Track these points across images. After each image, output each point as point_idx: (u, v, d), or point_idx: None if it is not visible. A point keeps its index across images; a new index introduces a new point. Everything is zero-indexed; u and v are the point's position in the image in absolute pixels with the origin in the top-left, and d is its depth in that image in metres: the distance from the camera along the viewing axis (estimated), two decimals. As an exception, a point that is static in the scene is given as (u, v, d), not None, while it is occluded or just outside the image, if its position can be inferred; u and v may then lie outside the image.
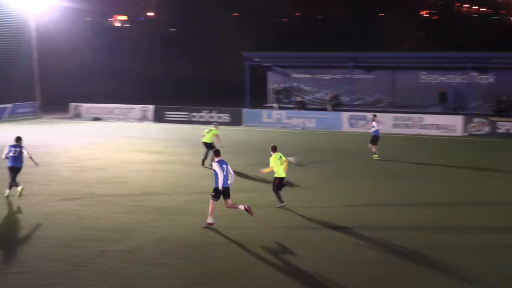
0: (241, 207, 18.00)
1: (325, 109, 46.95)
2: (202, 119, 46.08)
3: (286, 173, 20.70)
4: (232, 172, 18.22)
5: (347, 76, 47.38)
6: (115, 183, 24.56)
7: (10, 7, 50.64)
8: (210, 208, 18.04)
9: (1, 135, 39.15)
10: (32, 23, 51.05)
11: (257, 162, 26.75)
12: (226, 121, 45.41)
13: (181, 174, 26.53)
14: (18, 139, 22.25)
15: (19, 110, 50.48)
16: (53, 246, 16.24)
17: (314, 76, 50.07)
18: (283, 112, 45.84)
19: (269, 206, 20.49)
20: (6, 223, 18.72)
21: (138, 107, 48.77)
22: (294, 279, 14.26)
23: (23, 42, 51.31)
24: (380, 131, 31.33)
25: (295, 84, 50.50)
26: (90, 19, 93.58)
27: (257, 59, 51.25)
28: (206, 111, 46.66)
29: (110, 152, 31.89)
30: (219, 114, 46.06)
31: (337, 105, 47.60)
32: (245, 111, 45.99)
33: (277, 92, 50.07)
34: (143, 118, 47.95)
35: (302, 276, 14.42)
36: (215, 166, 17.88)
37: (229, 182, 17.94)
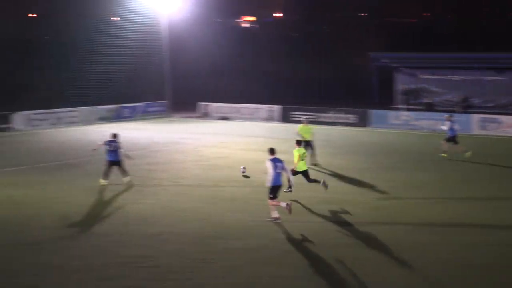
0: (283, 204, 18.37)
1: (454, 111, 45.89)
2: (328, 120, 46.07)
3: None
4: (288, 170, 18.60)
5: (478, 77, 46.07)
6: (241, 182, 24.98)
7: (144, 8, 52.56)
8: (272, 205, 18.45)
9: (134, 132, 40.73)
10: (164, 23, 52.68)
11: (387, 163, 26.49)
12: (353, 122, 45.23)
13: (306, 174, 26.58)
14: (115, 135, 24.10)
15: (151, 109, 52.31)
16: (181, 242, 16.73)
17: (443, 77, 49.02)
18: (411, 113, 45.12)
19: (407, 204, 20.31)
20: (139, 218, 19.45)
21: (264, 107, 49.39)
22: None
23: (156, 42, 53.10)
24: (456, 132, 31.05)
25: (423, 85, 49.61)
26: (219, 20, 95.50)
27: (384, 60, 50.71)
28: (332, 112, 46.62)
29: (237, 151, 32.49)
30: (346, 115, 45.91)
31: (467, 107, 46.38)
32: (373, 112, 45.60)
33: (406, 93, 49.35)
34: (269, 118, 48.51)
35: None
36: (268, 164, 18.18)
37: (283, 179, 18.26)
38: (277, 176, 18.31)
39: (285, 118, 47.62)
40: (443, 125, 31.69)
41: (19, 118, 44.26)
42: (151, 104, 52.59)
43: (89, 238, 17.10)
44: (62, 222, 18.68)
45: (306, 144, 28.07)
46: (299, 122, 46.22)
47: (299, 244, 16.74)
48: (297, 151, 21.45)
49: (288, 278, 14.18)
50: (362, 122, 45.03)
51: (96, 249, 16.06)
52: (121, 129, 42.58)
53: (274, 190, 18.42)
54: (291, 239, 17.09)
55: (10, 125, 43.44)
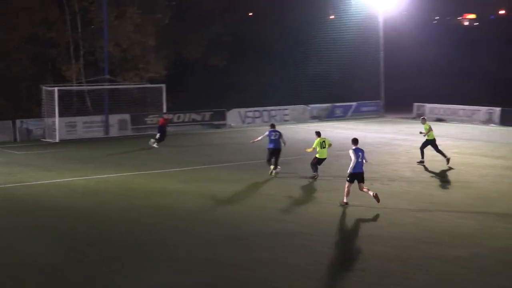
0: (371, 193, 20.13)
1: None
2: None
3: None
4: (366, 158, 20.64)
5: None
6: (455, 187, 23.99)
7: (360, 6, 52.33)
8: (345, 189, 20.23)
9: (345, 132, 40.64)
10: (381, 21, 52.08)
11: None
12: None
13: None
14: (273, 125, 26.69)
15: (363, 109, 51.95)
16: (389, 245, 16.25)
17: None
18: None
19: None
20: (348, 218, 19.26)
21: (483, 109, 47.20)
22: None
23: (371, 41, 52.68)
24: None
25: None
26: (437, 17, 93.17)
27: None
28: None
29: (452, 155, 31.28)
30: None
31: None
32: None
33: None
34: (488, 121, 46.28)
35: None
36: (351, 152, 20.33)
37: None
38: (358, 164, 20.23)
39: (506, 120, 45.11)
40: None
41: (233, 115, 45.86)
42: (364, 103, 52.22)
43: (296, 237, 17.11)
44: (274, 218, 18.92)
45: (431, 144, 28.74)
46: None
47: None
48: (317, 141, 24.95)
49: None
50: None
51: (301, 248, 16.02)
52: (333, 128, 42.79)
53: (356, 177, 20.17)
54: (508, 250, 16.00)
55: (225, 122, 45.16)
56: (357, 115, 51.01)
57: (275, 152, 25.77)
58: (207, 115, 45.09)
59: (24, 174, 26.84)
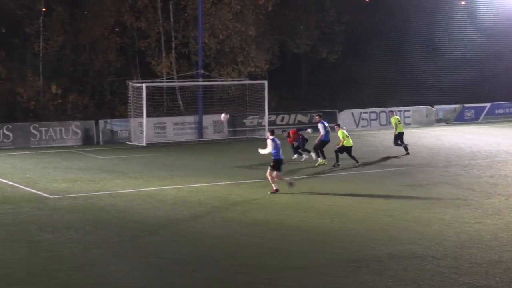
0: (286, 178, 24.94)
1: None
2: None
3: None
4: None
5: None
6: None
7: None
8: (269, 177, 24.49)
9: (477, 138, 39.63)
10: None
11: None
12: None
13: None
14: (319, 116, 32.40)
15: (498, 111, 50.64)
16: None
17: None
18: None
19: None
20: (476, 240, 18.65)
21: None
22: None
23: (509, 31, 51.34)
24: None
25: None
26: None
27: None
28: None
29: None
30: None
31: None
32: None
33: None
34: None
35: None
36: (269, 142, 24.49)
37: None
38: (278, 151, 24.38)
39: None
40: None
41: (345, 116, 45.55)
42: (500, 105, 50.84)
43: (419, 260, 16.66)
44: (387, 237, 18.52)
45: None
46: None
47: None
48: (340, 133, 30.45)
49: None
50: None
51: (428, 273, 15.58)
52: (462, 133, 41.78)
53: (277, 164, 24.40)
54: None
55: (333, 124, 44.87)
56: (491, 118, 49.74)
57: (326, 144, 31.33)
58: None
59: (108, 182, 27.34)
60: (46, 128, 39.42)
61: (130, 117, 40.65)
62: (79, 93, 46.65)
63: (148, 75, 46.75)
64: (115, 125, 40.82)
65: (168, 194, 24.91)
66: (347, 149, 30.47)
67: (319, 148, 31.26)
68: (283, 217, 21.15)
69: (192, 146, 38.80)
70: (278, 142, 24.73)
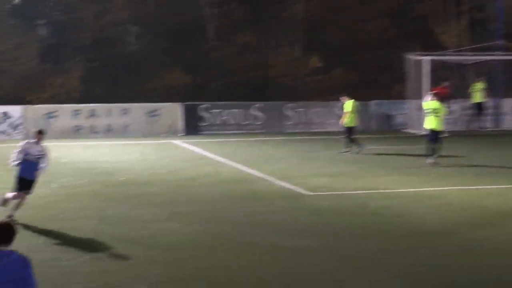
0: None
1: None
2: None
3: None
4: None
5: None
6: None
7: None
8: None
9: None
10: None
11: None
12: None
13: None
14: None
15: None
16: None
17: None
18: None
19: None
20: None
21: None
22: None
23: None
24: None
25: None
26: None
27: None
28: None
29: None
30: None
31: None
32: None
33: None
34: None
35: None
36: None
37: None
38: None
39: None
40: None
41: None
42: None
43: None
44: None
45: None
46: None
47: None
48: (347, 104, 32.78)
49: None
50: None
51: None
52: None
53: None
54: None
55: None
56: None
57: None
58: None
59: (380, 178, 27.42)
60: (303, 109, 40.09)
61: (409, 99, 40.40)
62: (344, 68, 47.02)
63: (432, 47, 46.17)
64: (390, 107, 40.82)
65: (455, 196, 24.55)
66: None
67: None
68: None
69: (485, 137, 38.06)
70: None
